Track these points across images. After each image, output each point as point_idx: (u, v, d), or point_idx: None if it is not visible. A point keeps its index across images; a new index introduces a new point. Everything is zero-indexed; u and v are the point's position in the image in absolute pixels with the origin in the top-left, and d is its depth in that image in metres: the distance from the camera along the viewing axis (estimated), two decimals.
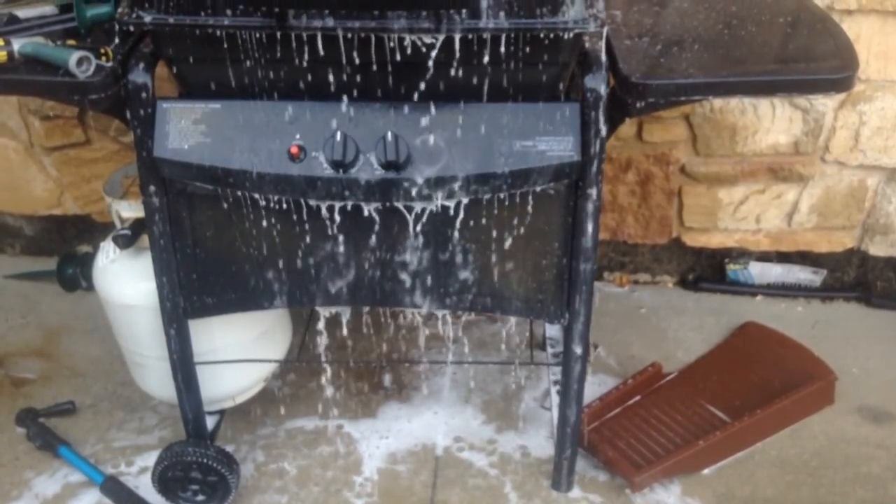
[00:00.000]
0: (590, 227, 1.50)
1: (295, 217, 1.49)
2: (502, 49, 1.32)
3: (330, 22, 1.28)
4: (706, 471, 1.89)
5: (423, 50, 1.31)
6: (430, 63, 1.33)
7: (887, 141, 2.18)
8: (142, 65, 1.40)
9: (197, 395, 1.74)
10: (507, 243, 1.53)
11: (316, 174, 1.41)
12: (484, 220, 1.50)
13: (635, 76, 1.36)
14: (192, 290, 1.61)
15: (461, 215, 1.48)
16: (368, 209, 1.47)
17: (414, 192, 1.41)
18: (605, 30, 1.34)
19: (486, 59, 1.33)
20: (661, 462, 1.85)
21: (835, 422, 2.01)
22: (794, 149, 2.21)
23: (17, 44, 1.37)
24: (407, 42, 1.30)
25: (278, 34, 1.31)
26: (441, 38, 1.29)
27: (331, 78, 1.38)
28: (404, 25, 1.27)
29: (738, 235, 2.37)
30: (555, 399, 1.93)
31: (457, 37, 1.29)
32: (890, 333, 2.28)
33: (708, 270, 2.46)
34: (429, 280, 1.56)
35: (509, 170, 1.40)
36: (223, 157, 1.42)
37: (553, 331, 2.11)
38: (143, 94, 1.40)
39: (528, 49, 1.32)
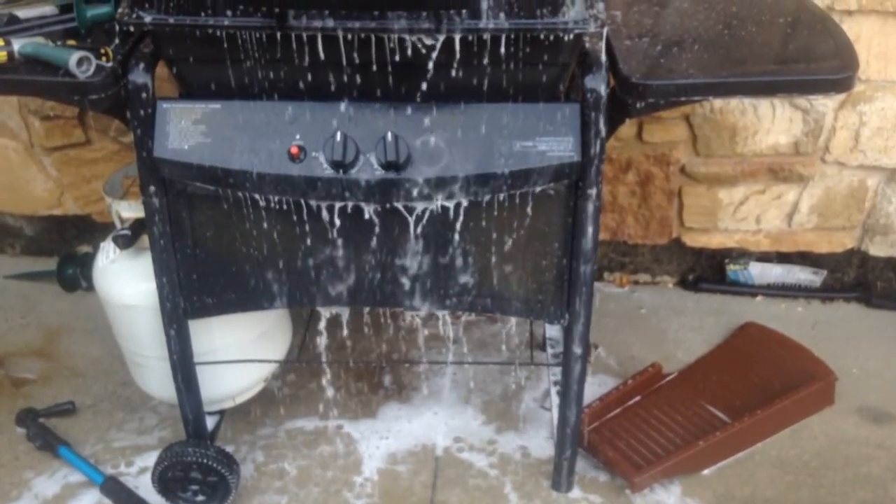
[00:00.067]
0: (590, 228, 1.50)
1: (295, 217, 1.49)
2: (502, 49, 1.32)
3: (330, 22, 1.28)
4: (706, 471, 1.89)
5: (424, 50, 1.31)
6: (431, 63, 1.33)
7: (887, 141, 2.18)
8: (142, 65, 1.40)
9: (197, 396, 1.74)
10: (508, 244, 1.53)
11: (316, 174, 1.41)
12: (484, 221, 1.50)
13: (635, 76, 1.36)
14: (192, 290, 1.61)
15: (461, 216, 1.48)
16: (368, 210, 1.47)
17: (414, 192, 1.41)
18: (605, 30, 1.33)
19: (486, 59, 1.33)
20: (661, 462, 1.85)
21: (835, 422, 2.01)
22: (795, 149, 2.21)
23: (18, 44, 1.37)
24: (407, 42, 1.30)
25: (278, 34, 1.31)
26: (441, 38, 1.29)
27: (331, 78, 1.38)
28: (404, 26, 1.27)
29: (738, 236, 2.37)
30: (555, 399, 1.93)
31: (457, 37, 1.29)
32: (890, 334, 2.27)
33: (708, 271, 2.46)
34: (429, 281, 1.56)
35: (509, 170, 1.40)
36: (223, 157, 1.42)
37: (553, 331, 2.11)
38: (144, 95, 1.40)
39: (528, 49, 1.32)
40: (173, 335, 1.64)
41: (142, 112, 1.42)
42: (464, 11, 1.27)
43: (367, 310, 2.19)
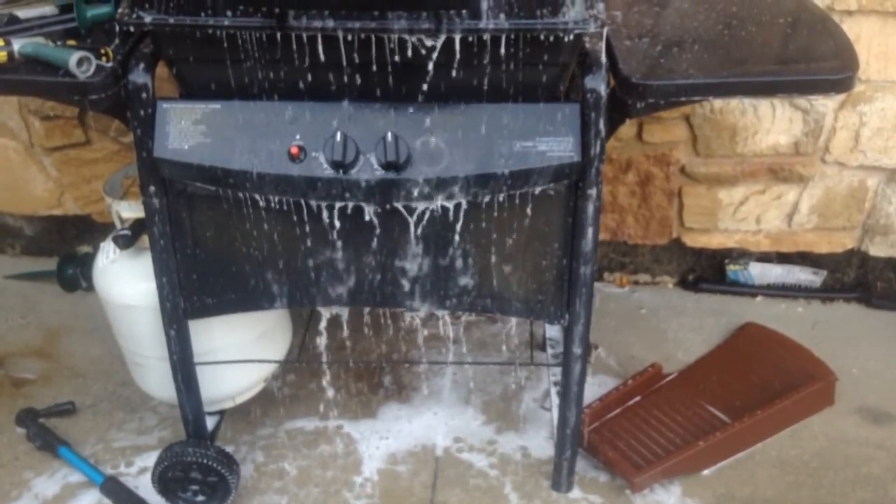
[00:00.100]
0: (590, 228, 1.50)
1: (295, 218, 1.49)
2: (502, 50, 1.32)
3: (330, 22, 1.28)
4: (706, 471, 1.89)
5: (424, 51, 1.31)
6: (431, 64, 1.33)
7: (887, 142, 2.18)
8: (142, 65, 1.40)
9: (197, 396, 1.74)
10: (508, 244, 1.53)
11: (316, 174, 1.40)
12: (484, 221, 1.50)
13: (635, 77, 1.36)
14: (193, 290, 1.61)
15: (461, 216, 1.48)
16: (368, 210, 1.47)
17: (414, 192, 1.41)
18: (605, 30, 1.33)
19: (486, 59, 1.33)
20: (662, 463, 1.85)
21: (835, 422, 2.01)
22: (795, 149, 2.21)
23: (18, 44, 1.37)
24: (407, 43, 1.30)
25: (278, 35, 1.31)
26: (441, 38, 1.29)
27: (331, 78, 1.38)
28: (404, 26, 1.27)
29: (738, 236, 2.37)
30: (555, 400, 1.93)
31: (457, 37, 1.29)
32: (890, 334, 2.27)
33: (708, 271, 2.45)
34: (429, 281, 1.56)
35: (509, 170, 1.40)
36: (223, 157, 1.42)
37: (553, 331, 2.11)
38: (144, 95, 1.40)
39: (528, 50, 1.32)
40: (173, 335, 1.64)
41: (142, 112, 1.42)
42: (464, 12, 1.27)
43: (367, 310, 2.19)
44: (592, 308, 1.60)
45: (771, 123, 2.18)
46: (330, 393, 2.07)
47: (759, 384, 2.05)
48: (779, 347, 2.16)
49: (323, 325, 1.75)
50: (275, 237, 1.53)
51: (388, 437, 1.99)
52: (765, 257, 2.40)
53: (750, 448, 1.94)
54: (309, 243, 1.53)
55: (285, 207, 1.48)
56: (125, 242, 1.67)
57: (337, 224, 1.48)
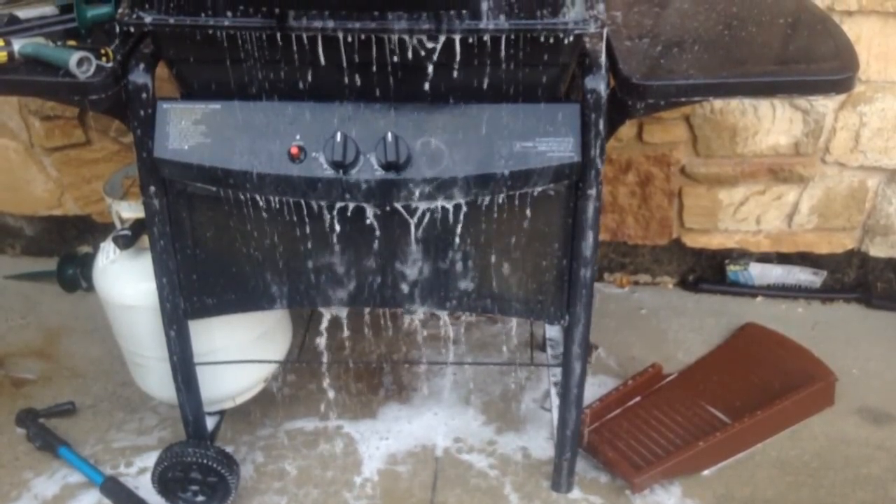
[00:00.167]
0: (590, 229, 1.50)
1: (295, 218, 1.49)
2: (503, 50, 1.32)
3: (330, 23, 1.28)
4: (706, 472, 1.89)
5: (424, 51, 1.31)
6: (431, 64, 1.33)
7: (888, 142, 2.18)
8: (142, 65, 1.40)
9: (197, 396, 1.74)
10: (508, 244, 1.53)
11: (316, 175, 1.40)
12: (484, 222, 1.50)
13: (636, 77, 1.36)
14: (193, 290, 1.61)
15: (461, 216, 1.48)
16: (369, 211, 1.47)
17: (414, 193, 1.41)
18: (605, 31, 1.33)
19: (486, 60, 1.33)
20: (662, 463, 1.84)
21: (835, 423, 2.01)
22: (795, 150, 2.21)
23: (18, 44, 1.37)
24: (407, 43, 1.30)
25: (278, 35, 1.31)
26: (441, 39, 1.29)
27: (331, 79, 1.38)
28: (404, 26, 1.27)
29: (738, 236, 2.37)
30: (555, 400, 1.93)
31: (457, 38, 1.29)
32: (890, 334, 2.27)
33: (708, 271, 2.45)
34: (429, 282, 1.56)
35: (509, 171, 1.40)
36: (223, 157, 1.42)
37: (553, 332, 2.11)
38: (144, 95, 1.40)
39: (528, 50, 1.32)
40: (173, 336, 1.64)
41: (142, 112, 1.42)
42: (464, 12, 1.27)
43: (367, 310, 2.19)
44: (592, 308, 1.60)
45: (771, 124, 2.18)
46: (330, 393, 2.07)
47: (759, 384, 2.05)
48: (779, 348, 2.16)
49: (323, 325, 1.75)
50: (275, 237, 1.53)
51: (388, 437, 1.99)
52: (765, 258, 2.40)
53: (750, 448, 1.94)
54: (309, 244, 1.53)
55: (285, 208, 1.48)
56: (125, 243, 1.67)
57: (337, 225, 1.48)
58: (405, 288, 1.57)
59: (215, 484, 1.76)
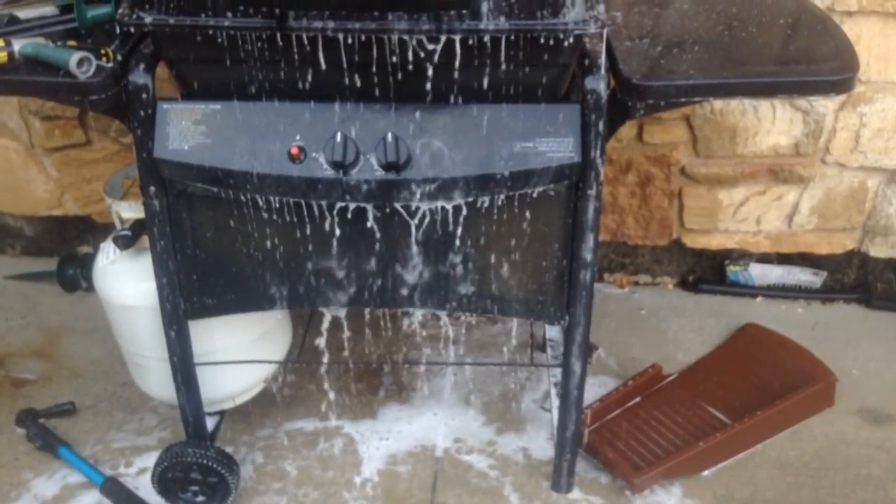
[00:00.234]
0: (590, 229, 1.50)
1: (295, 218, 1.49)
2: (503, 51, 1.32)
3: (330, 23, 1.28)
4: (706, 472, 1.89)
5: (424, 52, 1.31)
6: (431, 65, 1.33)
7: (888, 142, 2.18)
8: (142, 66, 1.40)
9: (197, 396, 1.74)
10: (508, 245, 1.53)
11: (316, 175, 1.40)
12: (484, 222, 1.50)
13: (636, 77, 1.36)
14: (193, 291, 1.61)
15: (461, 217, 1.48)
16: (369, 211, 1.47)
17: (415, 193, 1.41)
18: (605, 31, 1.33)
19: (486, 60, 1.33)
20: (662, 463, 1.84)
21: (835, 423, 2.01)
22: (795, 150, 2.21)
23: (18, 44, 1.37)
24: (407, 44, 1.30)
25: (278, 35, 1.31)
26: (442, 39, 1.29)
27: (331, 79, 1.38)
28: (405, 27, 1.27)
29: (738, 237, 2.37)
30: (555, 400, 1.93)
31: (457, 39, 1.29)
32: (890, 335, 2.27)
33: (708, 272, 2.45)
34: (429, 282, 1.56)
35: (509, 171, 1.40)
36: (223, 158, 1.42)
37: (553, 332, 2.11)
38: (144, 95, 1.40)
39: (528, 51, 1.32)
40: (173, 336, 1.64)
41: (142, 113, 1.42)
42: (464, 13, 1.27)
43: (367, 311, 2.19)
44: (592, 309, 1.60)
45: (771, 124, 2.18)
46: (330, 394, 2.07)
47: (759, 385, 2.05)
48: (779, 348, 2.16)
49: (323, 325, 1.75)
50: (275, 238, 1.53)
51: (388, 437, 1.99)
52: (765, 258, 2.40)
53: (750, 449, 1.94)
54: (309, 244, 1.53)
55: (285, 208, 1.48)
56: (125, 243, 1.67)
57: (337, 225, 1.48)
58: (405, 289, 1.57)
59: (215, 484, 1.76)
